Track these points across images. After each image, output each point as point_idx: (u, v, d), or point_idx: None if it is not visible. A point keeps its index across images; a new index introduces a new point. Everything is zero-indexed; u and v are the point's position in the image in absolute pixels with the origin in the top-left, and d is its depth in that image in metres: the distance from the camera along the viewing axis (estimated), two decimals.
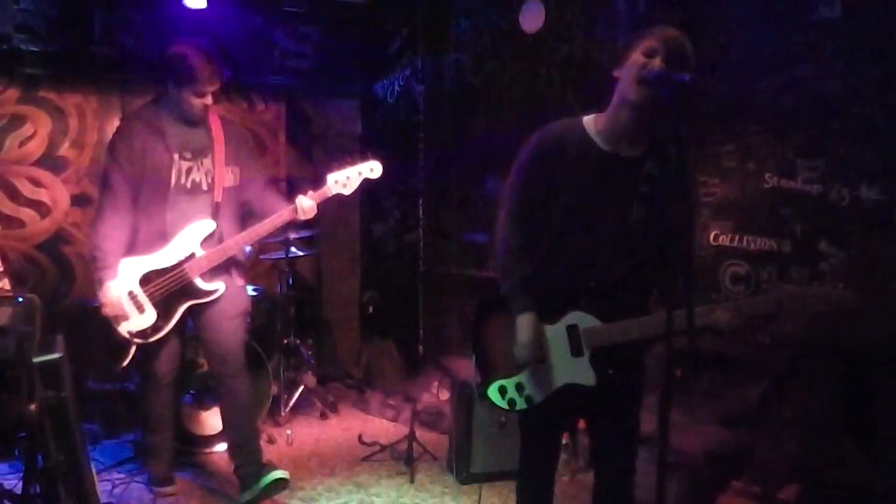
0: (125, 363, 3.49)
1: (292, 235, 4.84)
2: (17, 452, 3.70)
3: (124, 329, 3.43)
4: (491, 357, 2.47)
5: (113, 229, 3.42)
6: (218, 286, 3.49)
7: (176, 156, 3.43)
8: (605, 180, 2.32)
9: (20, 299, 3.36)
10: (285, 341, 5.13)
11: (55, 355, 2.58)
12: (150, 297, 3.42)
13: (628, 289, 2.35)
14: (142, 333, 3.44)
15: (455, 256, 5.67)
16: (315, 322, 6.23)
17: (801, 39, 3.53)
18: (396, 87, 6.11)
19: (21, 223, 5.30)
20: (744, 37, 3.76)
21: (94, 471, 2.94)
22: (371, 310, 6.31)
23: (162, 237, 3.43)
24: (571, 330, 2.34)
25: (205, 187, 3.50)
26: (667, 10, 4.06)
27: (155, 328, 3.44)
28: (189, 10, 5.11)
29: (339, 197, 3.56)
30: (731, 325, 2.14)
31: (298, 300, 5.44)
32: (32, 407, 2.49)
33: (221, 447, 4.27)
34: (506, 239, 2.43)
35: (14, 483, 3.29)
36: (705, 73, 3.85)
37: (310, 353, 5.45)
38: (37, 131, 5.32)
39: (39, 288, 5.26)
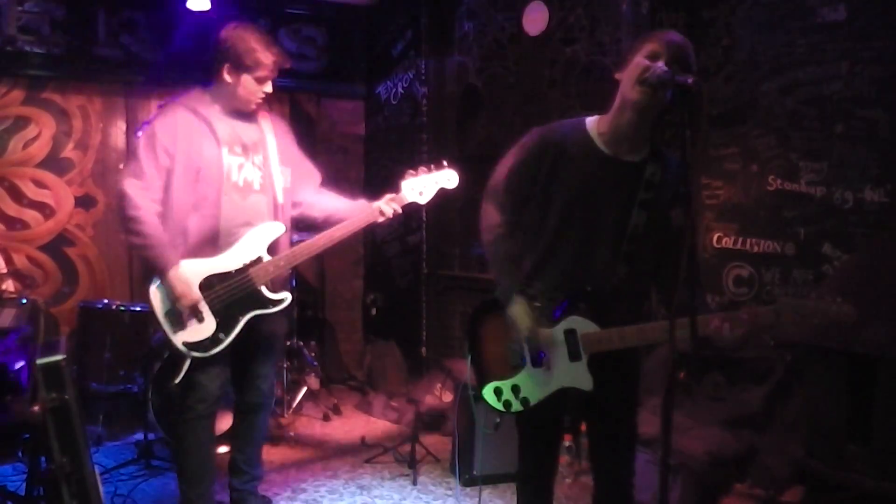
0: (178, 379, 3.07)
1: (294, 237, 4.83)
2: (20, 454, 3.73)
3: (179, 340, 3.00)
4: (487, 359, 2.47)
5: (156, 217, 3.00)
6: (284, 296, 3.15)
7: (225, 149, 3.06)
8: (604, 183, 2.31)
9: (24, 301, 3.38)
10: (288, 343, 5.13)
11: (58, 357, 2.58)
12: (211, 304, 3.02)
13: (627, 294, 2.34)
14: (200, 345, 3.01)
15: (458, 258, 5.67)
16: (318, 324, 6.24)
17: (804, 42, 3.53)
18: (400, 89, 6.12)
19: (25, 224, 5.32)
20: (747, 39, 3.76)
21: (97, 473, 2.94)
22: (374, 312, 6.31)
23: (213, 241, 3.06)
24: (570, 334, 2.33)
25: (257, 187, 3.14)
26: (671, 13, 4.06)
27: (214, 340, 3.02)
28: (192, 11, 5.13)
29: (413, 206, 3.35)
30: (732, 336, 2.14)
31: (301, 302, 5.45)
32: (36, 409, 2.50)
33: (222, 449, 4.26)
34: (488, 218, 2.46)
35: (18, 484, 3.30)
36: (709, 75, 3.85)
37: (313, 355, 5.46)
38: (41, 133, 5.34)
39: (43, 290, 5.28)
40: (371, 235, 6.50)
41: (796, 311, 2.08)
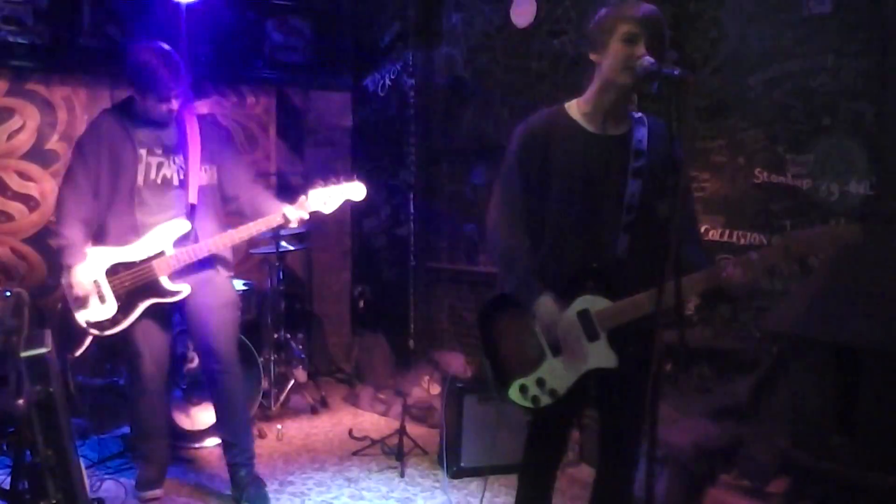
0: (77, 353, 3.48)
1: (282, 230, 4.82)
2: (4, 447, 3.70)
3: (82, 318, 3.37)
4: (504, 358, 2.40)
5: (78, 222, 3.39)
6: (182, 288, 3.43)
7: (143, 152, 3.41)
8: (595, 161, 2.31)
9: (8, 293, 3.34)
10: (275, 336, 5.12)
11: (43, 350, 2.56)
12: (114, 289, 3.38)
13: (633, 264, 2.31)
14: (99, 325, 3.38)
15: (446, 250, 5.67)
16: (305, 317, 6.23)
17: (791, 35, 3.53)
18: (387, 81, 6.10)
19: (9, 217, 5.28)
20: (734, 32, 3.77)
21: (82, 466, 2.92)
22: (362, 304, 6.30)
23: (133, 232, 3.40)
24: (583, 315, 2.28)
25: (176, 182, 3.46)
26: (658, 4, 4.05)
27: (113, 321, 3.38)
28: (178, 2, 5.08)
29: (317, 214, 3.52)
30: (745, 281, 2.13)
31: (289, 295, 5.43)
32: (20, 402, 2.48)
33: (211, 442, 4.27)
34: (502, 238, 2.39)
35: (2, 478, 3.28)
36: (696, 67, 3.85)
37: (300, 347, 5.45)
38: (25, 124, 5.29)
39: (28, 282, 5.24)
40: (359, 227, 6.49)
41: (804, 241, 2.08)
